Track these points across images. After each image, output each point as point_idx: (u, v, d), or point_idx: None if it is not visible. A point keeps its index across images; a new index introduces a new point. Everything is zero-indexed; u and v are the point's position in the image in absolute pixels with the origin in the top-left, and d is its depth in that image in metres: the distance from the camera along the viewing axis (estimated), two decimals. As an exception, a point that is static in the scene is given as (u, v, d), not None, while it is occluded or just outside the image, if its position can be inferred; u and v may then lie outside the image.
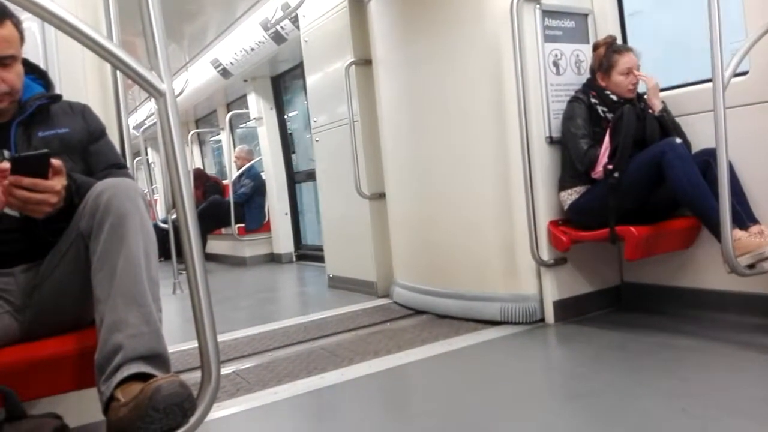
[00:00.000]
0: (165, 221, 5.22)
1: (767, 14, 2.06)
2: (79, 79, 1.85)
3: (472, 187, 2.82)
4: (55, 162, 1.26)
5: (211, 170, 8.47)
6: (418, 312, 3.11)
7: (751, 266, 1.99)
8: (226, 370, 2.41)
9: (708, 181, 2.13)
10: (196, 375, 1.21)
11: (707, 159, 2.17)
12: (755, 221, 2.16)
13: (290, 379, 2.21)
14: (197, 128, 8.46)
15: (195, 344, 1.20)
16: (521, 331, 2.57)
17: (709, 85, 1.93)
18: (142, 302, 1.22)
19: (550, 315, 2.63)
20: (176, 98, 1.13)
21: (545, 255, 2.61)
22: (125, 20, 1.93)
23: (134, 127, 7.35)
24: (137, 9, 1.12)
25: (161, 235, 4.95)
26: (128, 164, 1.86)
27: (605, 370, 2.05)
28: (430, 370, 2.25)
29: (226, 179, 6.91)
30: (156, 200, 8.19)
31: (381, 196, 3.65)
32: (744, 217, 2.14)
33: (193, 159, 8.35)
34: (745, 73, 2.21)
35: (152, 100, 1.20)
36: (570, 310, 2.66)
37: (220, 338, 2.83)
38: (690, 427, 1.50)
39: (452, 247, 2.95)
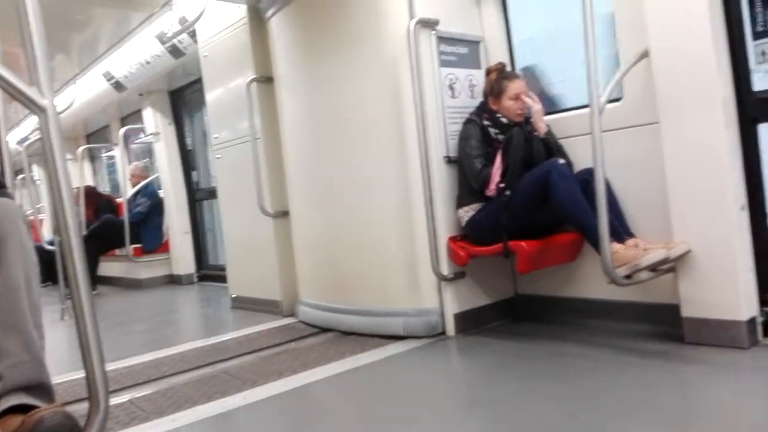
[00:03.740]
0: (52, 243, 4.89)
1: (638, 45, 2.27)
2: (-49, 92, 1.71)
3: (375, 205, 2.88)
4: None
5: (104, 188, 8.03)
6: (323, 330, 3.10)
7: (628, 276, 2.15)
8: (119, 399, 2.29)
9: (588, 198, 2.28)
10: (86, 406, 1.15)
11: (587, 178, 2.33)
12: (631, 234, 2.36)
13: (189, 405, 2.13)
14: (88, 143, 8.00)
15: (84, 373, 1.14)
16: (424, 345, 2.64)
17: (588, 109, 2.10)
18: (22, 329, 1.14)
19: (450, 327, 2.72)
20: (65, 111, 1.08)
21: (445, 269, 2.70)
22: (6, 31, 1.82)
23: (18, 143, 6.85)
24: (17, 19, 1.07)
25: (47, 257, 4.64)
26: (9, 182, 1.74)
27: (502, 378, 2.15)
28: (336, 387, 2.26)
29: (120, 197, 6.57)
30: (42, 220, 7.64)
31: (285, 214, 3.62)
32: (621, 231, 2.32)
33: (84, 176, 7.87)
34: (619, 99, 2.42)
35: (35, 115, 1.14)
36: (469, 322, 2.76)
37: (114, 365, 2.73)
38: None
39: (356, 263, 2.98)
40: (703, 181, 2.11)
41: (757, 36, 2.16)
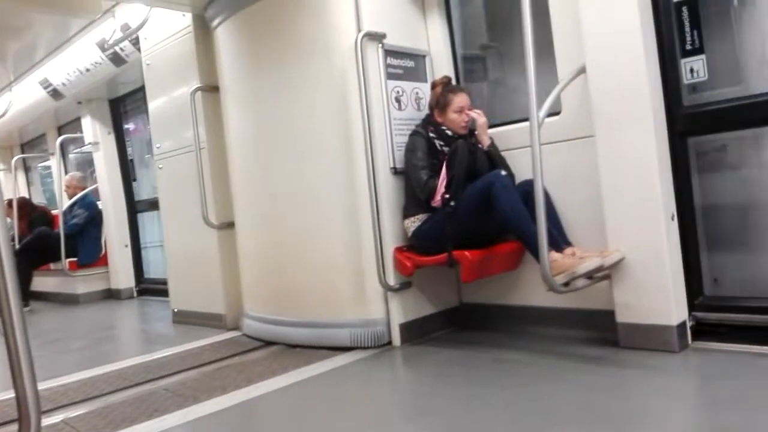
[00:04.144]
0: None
1: (575, 62, 2.35)
2: None
3: (321, 216, 2.87)
4: None
5: (39, 199, 7.69)
6: (268, 343, 3.05)
7: (566, 284, 2.21)
8: (52, 419, 2.20)
9: (529, 208, 2.33)
10: (16, 428, 1.10)
11: (528, 189, 2.39)
12: (569, 243, 2.44)
13: (127, 425, 2.06)
14: (23, 153, 7.67)
15: (14, 393, 1.09)
16: (370, 355, 2.64)
17: (528, 123, 2.16)
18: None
19: (396, 337, 2.73)
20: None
21: (391, 280, 2.72)
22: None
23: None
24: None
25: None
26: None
27: (447, 387, 2.17)
28: (281, 402, 2.23)
29: (56, 209, 6.32)
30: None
31: (230, 225, 3.56)
32: (559, 240, 2.40)
33: (18, 187, 7.53)
34: (558, 113, 2.50)
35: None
36: (415, 332, 2.79)
37: (48, 384, 2.62)
38: (518, 435, 1.64)
39: (302, 275, 2.96)
40: (635, 192, 2.21)
41: (685, 54, 2.29)
